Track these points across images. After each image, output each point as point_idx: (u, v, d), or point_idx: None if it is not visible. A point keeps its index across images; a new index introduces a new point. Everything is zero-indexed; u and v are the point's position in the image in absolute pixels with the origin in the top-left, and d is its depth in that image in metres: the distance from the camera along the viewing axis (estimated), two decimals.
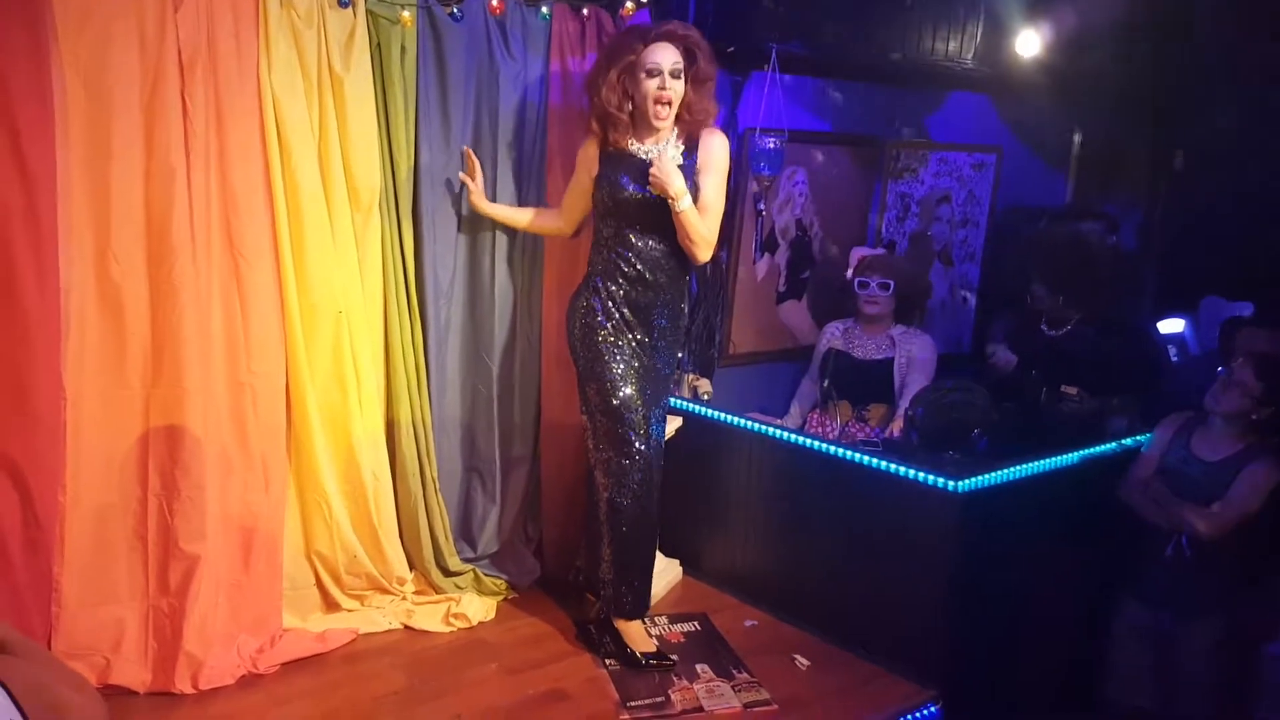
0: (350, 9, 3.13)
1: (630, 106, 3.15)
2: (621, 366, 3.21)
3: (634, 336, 3.23)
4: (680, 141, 3.19)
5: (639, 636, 3.30)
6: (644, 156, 3.16)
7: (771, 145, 3.63)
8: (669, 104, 3.10)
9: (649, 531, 3.32)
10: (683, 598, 3.65)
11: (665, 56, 3.07)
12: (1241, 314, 4.39)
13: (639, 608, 3.32)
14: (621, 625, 3.30)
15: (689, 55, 3.11)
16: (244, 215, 3.07)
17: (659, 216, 3.14)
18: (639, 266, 3.20)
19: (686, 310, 3.40)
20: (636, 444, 3.20)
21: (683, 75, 3.11)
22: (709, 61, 3.15)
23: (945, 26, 4.37)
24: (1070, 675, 3.60)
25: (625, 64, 3.11)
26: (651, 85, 3.08)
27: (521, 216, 3.48)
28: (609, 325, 3.22)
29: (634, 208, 3.17)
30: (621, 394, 3.20)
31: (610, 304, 3.22)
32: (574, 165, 3.40)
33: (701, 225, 3.14)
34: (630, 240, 3.20)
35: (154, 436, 3.01)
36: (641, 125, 3.18)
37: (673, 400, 3.64)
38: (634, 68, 3.10)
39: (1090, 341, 3.98)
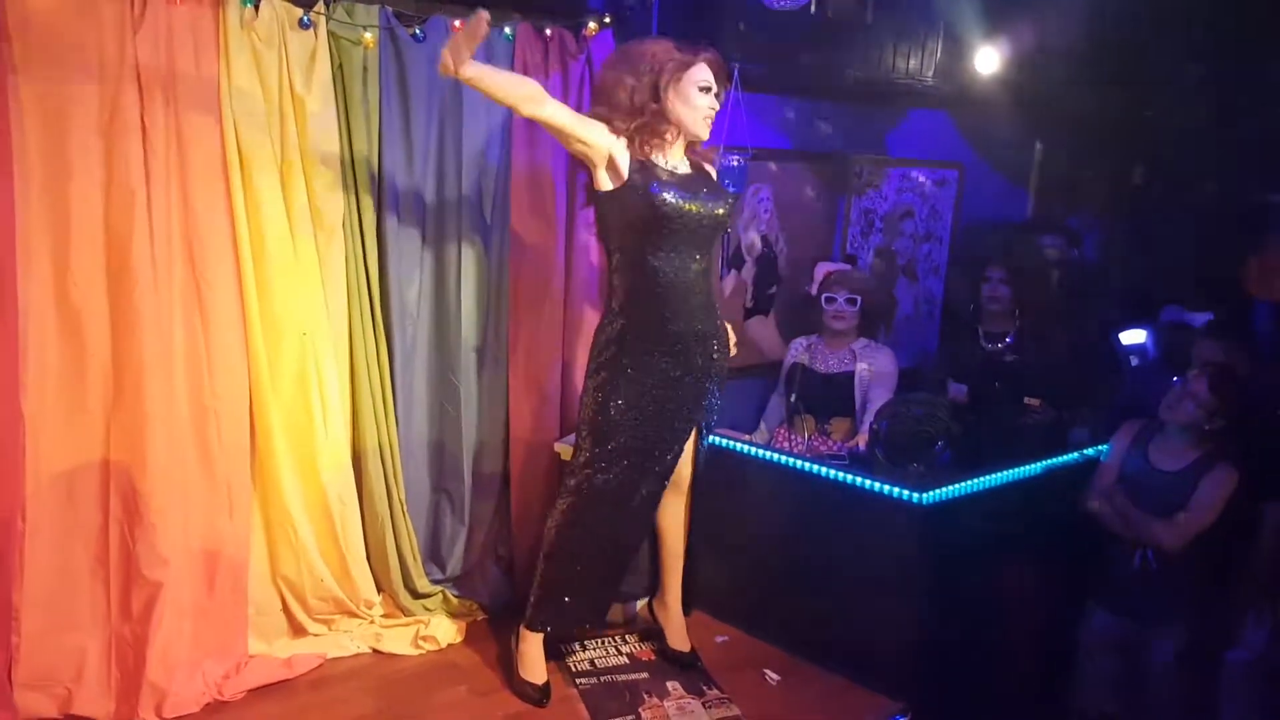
0: (311, 30, 3.12)
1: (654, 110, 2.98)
2: (630, 394, 3.04)
3: (661, 365, 3.06)
4: (686, 158, 3.11)
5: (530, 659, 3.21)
6: (670, 169, 3.01)
7: (736, 163, 3.65)
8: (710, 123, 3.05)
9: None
10: None
11: (711, 77, 3.01)
12: (1190, 322, 4.44)
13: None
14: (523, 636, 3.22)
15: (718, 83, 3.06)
16: (205, 237, 3.05)
17: (699, 234, 3.02)
18: (675, 289, 3.00)
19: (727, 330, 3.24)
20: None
21: None
22: (722, 90, 3.09)
23: (906, 44, 4.42)
24: (1039, 684, 3.63)
25: (668, 69, 2.95)
26: (704, 101, 2.98)
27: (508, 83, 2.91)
28: (633, 355, 3.04)
29: (675, 222, 2.95)
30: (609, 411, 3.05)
31: (637, 332, 3.03)
32: (538, 183, 3.34)
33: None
34: (663, 261, 2.99)
35: (115, 461, 2.98)
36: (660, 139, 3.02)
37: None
38: (680, 79, 2.97)
39: (1033, 352, 4.04)
